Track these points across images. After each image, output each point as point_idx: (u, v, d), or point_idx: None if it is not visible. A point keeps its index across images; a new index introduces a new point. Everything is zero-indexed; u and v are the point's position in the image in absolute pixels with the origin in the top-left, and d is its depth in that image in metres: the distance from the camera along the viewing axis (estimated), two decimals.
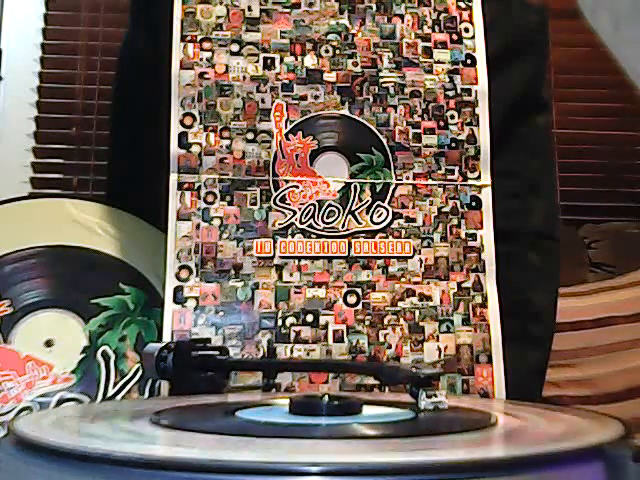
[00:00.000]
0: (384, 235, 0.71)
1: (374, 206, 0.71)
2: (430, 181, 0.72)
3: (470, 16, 0.76)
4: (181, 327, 0.67)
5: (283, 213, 0.70)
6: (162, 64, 0.72)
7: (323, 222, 0.70)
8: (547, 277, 0.79)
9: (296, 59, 0.73)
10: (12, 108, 1.61)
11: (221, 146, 0.71)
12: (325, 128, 0.72)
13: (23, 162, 1.60)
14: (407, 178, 0.72)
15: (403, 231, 0.71)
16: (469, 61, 0.75)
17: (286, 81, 0.72)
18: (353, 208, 0.71)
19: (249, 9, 0.74)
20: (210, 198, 0.70)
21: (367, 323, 0.69)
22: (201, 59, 0.72)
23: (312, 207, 0.71)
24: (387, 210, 0.71)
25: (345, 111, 0.72)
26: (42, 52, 1.66)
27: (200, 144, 0.71)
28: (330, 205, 0.71)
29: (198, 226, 0.69)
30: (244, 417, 0.47)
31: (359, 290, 0.69)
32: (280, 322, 0.68)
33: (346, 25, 0.74)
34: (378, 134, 0.72)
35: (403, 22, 0.75)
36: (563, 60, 1.54)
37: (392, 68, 0.74)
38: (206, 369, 0.61)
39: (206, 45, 0.72)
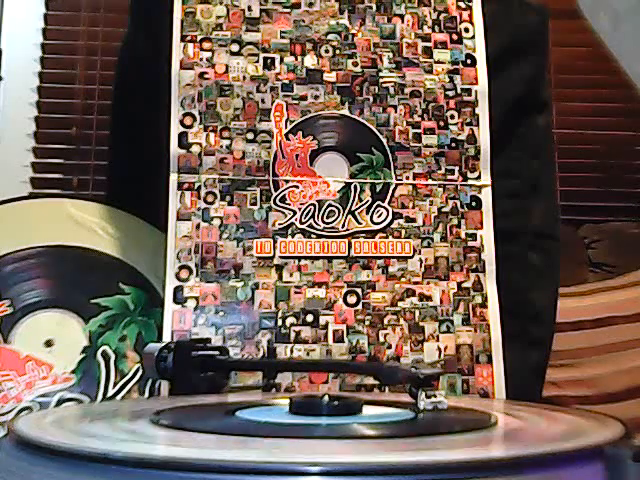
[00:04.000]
0: (384, 235, 0.71)
1: (374, 206, 0.71)
2: (430, 181, 0.72)
3: (470, 16, 0.76)
4: (181, 327, 0.67)
5: (283, 213, 0.70)
6: (162, 64, 0.72)
7: (323, 222, 0.70)
8: (547, 277, 0.79)
9: (296, 59, 0.73)
10: (12, 108, 1.61)
11: (221, 146, 0.71)
12: (325, 128, 0.72)
13: (23, 162, 1.60)
14: (407, 178, 0.72)
15: (403, 231, 0.71)
16: (469, 61, 0.75)
17: (286, 81, 0.72)
18: (353, 208, 0.71)
19: (249, 9, 0.74)
20: (210, 198, 0.70)
21: (367, 323, 0.69)
22: (201, 59, 0.72)
23: (312, 207, 0.71)
24: (387, 210, 0.71)
25: (345, 111, 0.72)
26: (42, 52, 1.66)
27: (200, 144, 0.71)
28: (330, 205, 0.71)
29: (198, 226, 0.69)
30: (244, 417, 0.47)
31: (359, 290, 0.69)
32: (280, 322, 0.68)
33: (346, 25, 0.74)
34: (378, 134, 0.72)
35: (403, 22, 0.75)
36: (563, 60, 1.54)
37: (392, 68, 0.74)
38: (206, 369, 0.61)
39: (206, 45, 0.72)
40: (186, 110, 0.71)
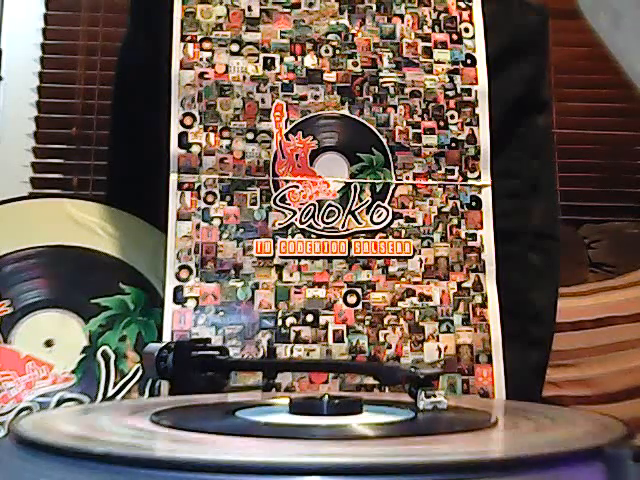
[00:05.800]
0: (384, 235, 0.71)
1: (374, 206, 0.71)
2: (430, 181, 0.72)
3: (470, 16, 0.76)
4: (181, 327, 0.67)
5: (283, 213, 0.70)
6: (162, 64, 0.72)
7: (323, 222, 0.70)
8: (547, 277, 0.79)
9: (296, 59, 0.73)
10: (12, 108, 1.61)
11: (221, 146, 0.71)
12: (325, 128, 0.72)
13: (23, 162, 1.60)
14: (407, 178, 0.72)
15: (403, 231, 0.71)
16: (469, 61, 0.75)
17: (286, 81, 0.72)
18: (353, 208, 0.71)
19: (249, 9, 0.74)
20: (210, 198, 0.70)
21: (367, 323, 0.69)
22: (201, 59, 0.72)
23: (312, 207, 0.71)
24: (387, 210, 0.71)
25: (345, 111, 0.72)
26: (42, 52, 1.66)
27: (200, 144, 0.71)
28: (330, 205, 0.71)
29: (198, 226, 0.69)
30: (244, 417, 0.47)
31: (359, 290, 0.69)
32: (280, 322, 0.68)
33: (346, 25, 0.74)
34: (378, 134, 0.72)
35: (403, 22, 0.75)
36: (563, 60, 1.54)
37: (392, 68, 0.74)
38: (206, 369, 0.61)
39: (206, 45, 0.72)
40: (186, 110, 0.71)
